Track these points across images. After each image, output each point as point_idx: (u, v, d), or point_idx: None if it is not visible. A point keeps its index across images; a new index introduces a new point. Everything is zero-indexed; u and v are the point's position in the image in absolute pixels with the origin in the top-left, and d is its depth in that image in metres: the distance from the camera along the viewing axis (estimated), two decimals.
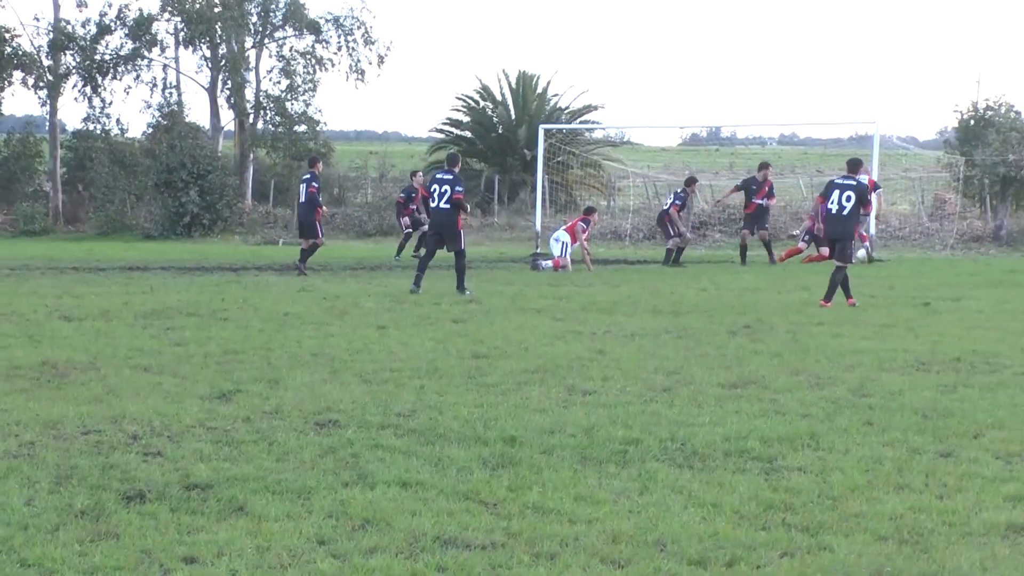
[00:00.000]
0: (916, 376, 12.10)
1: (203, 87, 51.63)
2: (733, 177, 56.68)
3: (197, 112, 66.56)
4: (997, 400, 10.72)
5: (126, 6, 50.23)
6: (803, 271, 27.00)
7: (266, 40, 52.03)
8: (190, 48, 50.95)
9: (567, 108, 54.52)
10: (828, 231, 19.63)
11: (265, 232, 45.03)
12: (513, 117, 53.60)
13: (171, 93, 52.12)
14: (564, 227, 29.72)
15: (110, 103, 50.89)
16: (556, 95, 55.17)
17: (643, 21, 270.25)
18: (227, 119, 51.92)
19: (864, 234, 29.71)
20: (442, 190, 21.10)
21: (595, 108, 55.29)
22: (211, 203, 44.59)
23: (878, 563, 6.29)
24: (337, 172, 52.50)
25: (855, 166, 20.04)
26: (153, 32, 50.82)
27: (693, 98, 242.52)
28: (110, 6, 50.28)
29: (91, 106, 50.61)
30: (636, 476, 7.97)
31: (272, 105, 50.94)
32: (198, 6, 49.72)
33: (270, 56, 52.41)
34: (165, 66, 51.86)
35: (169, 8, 50.31)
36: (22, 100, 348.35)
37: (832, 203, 19.38)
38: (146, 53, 50.96)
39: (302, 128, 51.00)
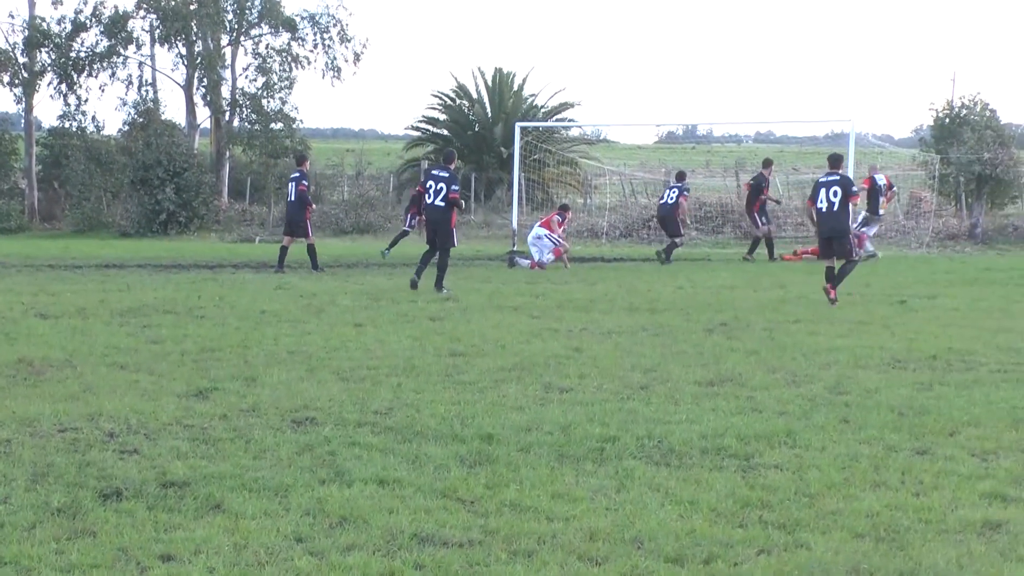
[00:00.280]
0: (892, 374, 12.15)
1: (179, 84, 51.49)
2: (710, 175, 56.69)
3: (173, 109, 66.74)
4: (973, 398, 10.76)
5: (101, 3, 49.94)
6: (780, 270, 27.08)
7: (242, 38, 51.84)
8: (166, 46, 50.73)
9: (543, 106, 54.66)
10: (824, 230, 19.64)
11: (242, 230, 44.92)
12: (489, 115, 53.64)
13: (147, 91, 51.90)
14: (539, 223, 29.82)
15: (86, 100, 50.58)
16: (533, 94, 55.44)
17: (619, 19, 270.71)
18: (203, 116, 51.77)
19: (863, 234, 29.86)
20: (439, 187, 21.03)
21: (571, 106, 55.54)
22: (187, 200, 44.36)
23: (855, 560, 6.30)
24: (314, 170, 52.32)
25: (836, 162, 20.13)
26: (129, 30, 50.51)
27: (669, 96, 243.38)
28: (85, 3, 49.97)
29: (67, 103, 50.33)
30: (613, 474, 7.98)
31: (248, 103, 50.76)
32: (173, 3, 49.39)
33: (246, 54, 52.32)
34: (141, 63, 51.66)
35: (144, 5, 50.01)
36: None
37: (821, 202, 19.45)
38: (122, 51, 50.64)
39: (278, 126, 50.81)
